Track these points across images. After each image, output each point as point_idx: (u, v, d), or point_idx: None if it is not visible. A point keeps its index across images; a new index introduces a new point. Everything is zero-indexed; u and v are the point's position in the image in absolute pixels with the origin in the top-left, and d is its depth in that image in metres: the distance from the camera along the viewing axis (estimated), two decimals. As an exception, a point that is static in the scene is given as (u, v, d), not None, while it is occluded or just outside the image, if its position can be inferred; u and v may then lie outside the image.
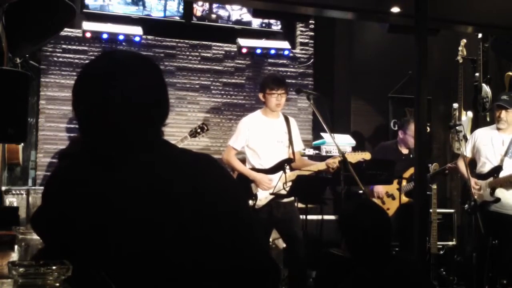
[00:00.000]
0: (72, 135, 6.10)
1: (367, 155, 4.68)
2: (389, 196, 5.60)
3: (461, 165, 5.16)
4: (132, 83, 1.40)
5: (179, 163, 1.45)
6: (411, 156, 5.63)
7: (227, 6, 6.65)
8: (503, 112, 5.02)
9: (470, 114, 6.24)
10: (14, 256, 1.98)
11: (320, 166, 4.61)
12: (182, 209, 1.36)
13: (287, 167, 4.39)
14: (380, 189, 5.59)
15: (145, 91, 1.42)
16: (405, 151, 5.74)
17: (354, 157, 4.55)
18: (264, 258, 1.47)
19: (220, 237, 1.38)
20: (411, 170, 5.28)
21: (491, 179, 4.97)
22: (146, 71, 1.45)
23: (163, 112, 1.47)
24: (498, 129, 5.09)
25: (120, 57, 1.52)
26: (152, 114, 1.44)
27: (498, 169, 4.96)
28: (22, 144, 4.66)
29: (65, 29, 5.54)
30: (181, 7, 6.46)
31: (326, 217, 5.11)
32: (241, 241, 1.41)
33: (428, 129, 5.91)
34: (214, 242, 1.37)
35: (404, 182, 5.48)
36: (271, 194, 4.39)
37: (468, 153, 5.20)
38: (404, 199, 5.52)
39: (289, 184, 4.30)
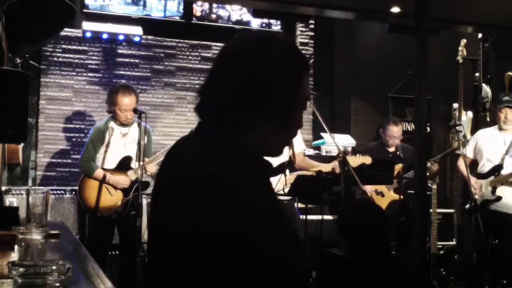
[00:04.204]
0: (71, 135, 6.10)
1: (367, 159, 4.68)
2: (378, 193, 5.61)
3: (461, 165, 5.16)
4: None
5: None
6: (397, 153, 5.66)
7: (227, 6, 6.65)
8: (509, 112, 5.01)
9: (470, 114, 6.24)
10: (14, 256, 1.98)
11: (325, 168, 4.61)
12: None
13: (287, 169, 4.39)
14: (368, 187, 5.58)
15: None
16: (392, 149, 5.74)
17: (354, 161, 4.55)
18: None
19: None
20: (398, 167, 5.30)
21: (492, 178, 4.98)
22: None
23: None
24: (500, 129, 5.10)
25: None
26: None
27: (498, 167, 4.97)
28: (22, 144, 4.65)
29: (65, 29, 5.54)
30: (181, 7, 6.46)
31: (326, 217, 5.11)
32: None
33: (428, 129, 5.92)
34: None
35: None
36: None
37: (469, 154, 5.21)
38: (393, 196, 5.53)
39: (289, 185, 4.29)
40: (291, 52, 1.30)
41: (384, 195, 5.53)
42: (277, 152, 1.36)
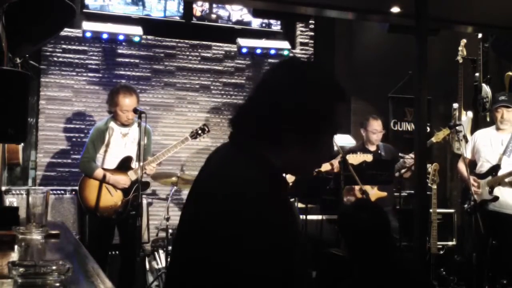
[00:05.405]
0: (71, 135, 6.10)
1: (368, 157, 4.68)
2: (363, 193, 5.60)
3: (461, 166, 5.17)
4: None
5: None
6: (379, 151, 5.65)
7: (227, 6, 6.65)
8: (505, 112, 5.03)
9: (470, 114, 6.24)
10: (14, 256, 1.98)
11: (323, 167, 4.61)
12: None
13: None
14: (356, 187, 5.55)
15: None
16: (372, 148, 5.73)
17: (356, 159, 4.56)
18: None
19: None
20: None
21: (489, 177, 4.99)
22: None
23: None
24: (498, 129, 5.11)
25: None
26: None
27: (496, 167, 4.98)
28: (22, 144, 4.65)
29: (65, 29, 5.54)
30: (181, 7, 6.46)
31: (326, 217, 5.11)
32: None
33: (428, 129, 5.92)
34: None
35: None
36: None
37: (468, 155, 5.22)
38: (378, 193, 5.51)
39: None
40: (330, 82, 1.48)
41: (368, 194, 5.51)
42: (301, 171, 1.54)
